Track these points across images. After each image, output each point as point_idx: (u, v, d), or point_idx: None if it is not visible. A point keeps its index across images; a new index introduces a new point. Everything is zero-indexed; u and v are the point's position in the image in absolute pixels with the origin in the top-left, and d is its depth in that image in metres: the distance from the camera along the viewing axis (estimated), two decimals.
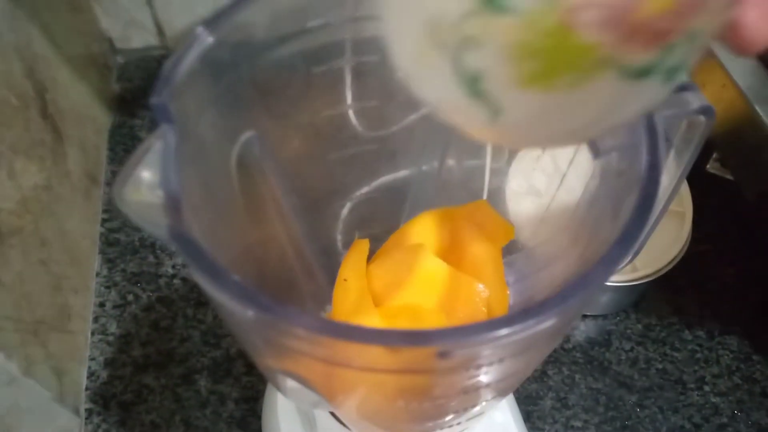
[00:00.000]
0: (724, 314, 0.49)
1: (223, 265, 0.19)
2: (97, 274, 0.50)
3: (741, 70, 0.49)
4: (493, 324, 0.17)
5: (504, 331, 0.17)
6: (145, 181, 0.20)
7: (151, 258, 0.51)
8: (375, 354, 0.18)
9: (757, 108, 0.47)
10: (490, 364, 0.19)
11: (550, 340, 0.22)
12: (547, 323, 0.17)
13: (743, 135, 0.48)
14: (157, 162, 0.20)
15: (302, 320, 0.17)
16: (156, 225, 0.19)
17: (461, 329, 0.17)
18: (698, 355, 0.47)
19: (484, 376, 0.21)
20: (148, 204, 0.20)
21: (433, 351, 0.17)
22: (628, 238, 0.19)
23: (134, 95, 0.62)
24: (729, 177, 0.51)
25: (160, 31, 0.62)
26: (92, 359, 0.46)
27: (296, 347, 0.20)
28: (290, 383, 0.27)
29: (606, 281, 0.19)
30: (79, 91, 0.54)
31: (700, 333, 0.48)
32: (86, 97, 0.55)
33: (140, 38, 0.63)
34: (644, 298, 0.49)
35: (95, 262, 0.51)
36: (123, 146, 0.58)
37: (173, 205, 0.20)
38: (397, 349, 0.17)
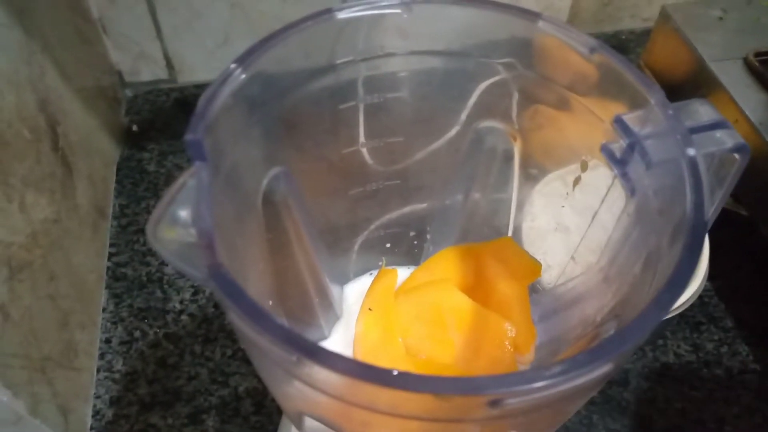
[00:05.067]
0: (742, 352, 0.48)
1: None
2: (104, 310, 0.49)
3: (754, 105, 0.49)
4: (548, 371, 0.16)
5: (561, 378, 0.16)
6: (180, 220, 0.19)
7: (158, 293, 0.50)
8: (421, 401, 0.17)
9: None
10: (538, 410, 0.19)
11: (598, 384, 0.21)
12: (604, 369, 0.16)
13: (757, 170, 0.48)
14: (189, 200, 0.20)
15: (348, 366, 0.16)
16: (191, 264, 0.19)
17: (516, 376, 0.16)
18: (717, 394, 0.46)
19: (526, 424, 0.20)
20: (182, 243, 0.19)
21: (484, 400, 0.16)
22: (681, 279, 0.18)
23: (143, 128, 0.61)
24: (743, 213, 0.51)
25: (169, 65, 0.62)
26: (97, 397, 0.45)
27: (334, 392, 0.19)
28: (309, 422, 0.26)
29: (659, 322, 0.18)
30: (89, 124, 0.53)
31: (719, 372, 0.47)
32: (95, 130, 0.55)
33: (149, 71, 0.63)
34: (661, 335, 0.48)
35: (102, 297, 0.50)
36: (131, 180, 0.57)
37: (208, 243, 0.19)
38: (447, 398, 0.16)
